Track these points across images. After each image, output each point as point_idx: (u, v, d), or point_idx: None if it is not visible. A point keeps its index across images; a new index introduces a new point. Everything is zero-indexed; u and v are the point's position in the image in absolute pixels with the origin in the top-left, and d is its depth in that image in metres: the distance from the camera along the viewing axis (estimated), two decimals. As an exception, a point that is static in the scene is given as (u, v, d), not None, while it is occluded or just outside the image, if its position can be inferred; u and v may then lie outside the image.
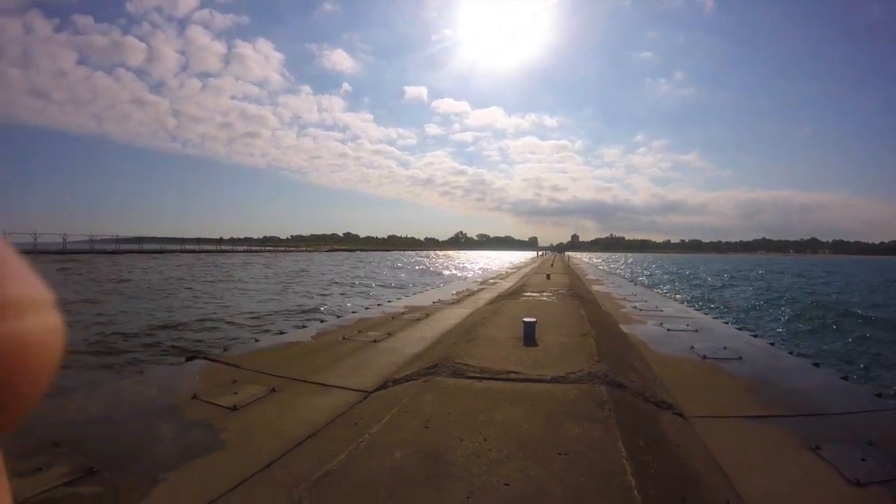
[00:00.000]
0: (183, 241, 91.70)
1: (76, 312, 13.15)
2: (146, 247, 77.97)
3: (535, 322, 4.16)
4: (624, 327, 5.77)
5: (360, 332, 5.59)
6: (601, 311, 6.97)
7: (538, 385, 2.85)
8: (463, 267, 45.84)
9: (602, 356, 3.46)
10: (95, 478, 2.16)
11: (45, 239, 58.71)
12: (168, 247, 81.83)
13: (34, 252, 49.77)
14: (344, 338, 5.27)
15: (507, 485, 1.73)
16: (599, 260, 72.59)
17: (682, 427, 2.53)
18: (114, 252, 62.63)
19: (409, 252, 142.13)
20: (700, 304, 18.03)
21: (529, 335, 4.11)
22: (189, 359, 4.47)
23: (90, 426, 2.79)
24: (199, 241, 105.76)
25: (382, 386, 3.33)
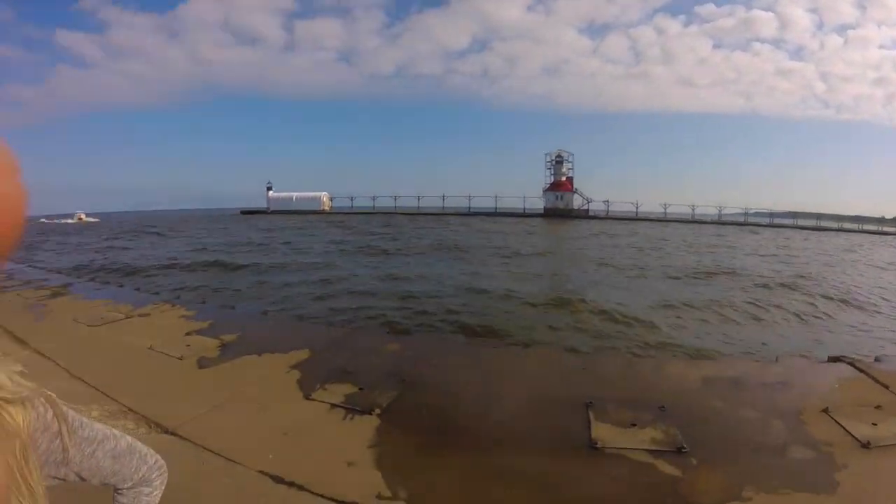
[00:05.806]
0: (840, 218, 77.80)
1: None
2: (800, 222, 70.14)
3: None
4: None
5: None
6: None
7: None
8: None
9: None
10: (679, 460, 2.04)
11: (701, 210, 67.86)
12: (824, 223, 70.32)
13: (693, 222, 60.35)
14: None
15: None
16: None
17: None
18: (768, 225, 63.55)
19: None
20: None
21: None
22: (832, 359, 3.96)
23: (695, 400, 2.73)
24: (857, 219, 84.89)
25: None
